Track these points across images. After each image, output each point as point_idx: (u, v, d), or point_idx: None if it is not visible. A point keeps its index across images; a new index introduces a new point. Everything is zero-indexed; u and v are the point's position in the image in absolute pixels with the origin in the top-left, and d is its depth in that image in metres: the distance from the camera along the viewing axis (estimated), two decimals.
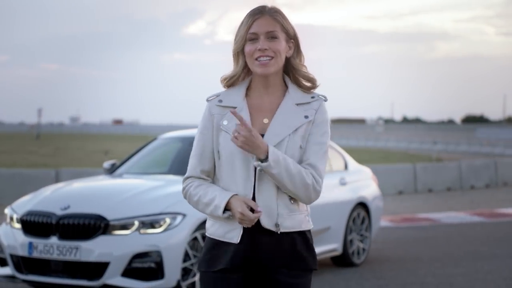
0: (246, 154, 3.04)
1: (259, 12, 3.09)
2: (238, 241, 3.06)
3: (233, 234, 3.08)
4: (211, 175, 3.16)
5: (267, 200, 3.06)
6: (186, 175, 3.19)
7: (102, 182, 8.11)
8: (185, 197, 3.21)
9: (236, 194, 3.05)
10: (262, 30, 3.07)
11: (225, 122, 3.09)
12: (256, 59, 3.07)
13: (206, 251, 3.16)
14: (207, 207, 3.10)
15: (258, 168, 3.03)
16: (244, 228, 3.06)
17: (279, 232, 3.07)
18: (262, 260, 3.08)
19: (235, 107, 3.10)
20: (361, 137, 65.89)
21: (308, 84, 3.17)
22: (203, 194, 3.11)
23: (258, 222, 3.06)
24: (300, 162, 3.09)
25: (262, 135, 3.07)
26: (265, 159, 3.00)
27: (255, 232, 3.06)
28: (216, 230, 3.12)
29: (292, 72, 3.17)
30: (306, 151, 3.10)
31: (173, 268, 6.73)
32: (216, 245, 3.12)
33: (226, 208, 3.04)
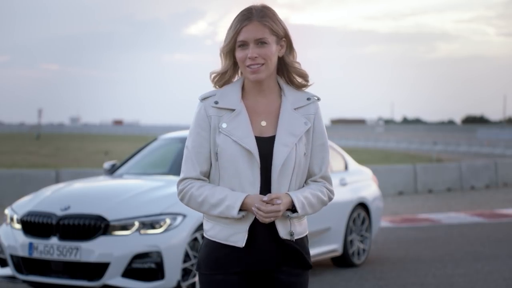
0: (250, 158, 3.02)
1: (246, 18, 3.06)
2: (244, 245, 3.03)
3: (237, 238, 3.03)
4: (207, 176, 3.11)
5: None
6: (183, 176, 3.09)
7: (103, 183, 8.12)
8: (182, 199, 3.10)
9: (249, 194, 3.00)
10: (251, 37, 3.04)
11: (224, 125, 3.05)
12: (247, 65, 3.06)
13: (207, 253, 3.09)
14: (214, 208, 3.02)
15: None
16: (249, 232, 3.03)
17: (293, 240, 3.08)
18: (267, 262, 3.07)
19: (233, 109, 3.07)
20: (361, 138, 65.89)
21: (300, 80, 3.16)
22: (209, 195, 3.02)
23: (265, 227, 3.04)
24: (308, 170, 3.13)
25: (261, 138, 3.06)
26: (293, 208, 3.03)
27: (259, 236, 3.04)
28: (217, 233, 3.07)
29: (285, 69, 3.16)
30: (314, 159, 3.14)
31: (173, 269, 6.74)
32: (218, 248, 3.07)
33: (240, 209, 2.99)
